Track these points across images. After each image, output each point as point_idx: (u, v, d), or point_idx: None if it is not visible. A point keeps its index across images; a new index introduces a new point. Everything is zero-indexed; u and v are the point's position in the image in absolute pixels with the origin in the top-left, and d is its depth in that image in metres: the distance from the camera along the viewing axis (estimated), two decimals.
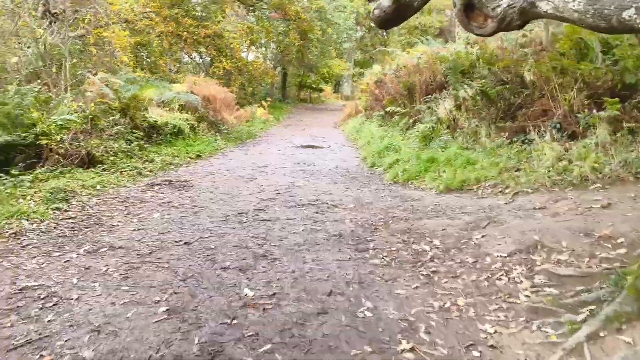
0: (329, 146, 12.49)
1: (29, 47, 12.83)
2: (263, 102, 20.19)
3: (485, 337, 2.85)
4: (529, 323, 2.96)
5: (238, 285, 3.57)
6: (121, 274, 3.71)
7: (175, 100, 11.62)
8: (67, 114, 8.22)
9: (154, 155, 8.81)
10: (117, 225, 4.99)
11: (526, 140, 6.84)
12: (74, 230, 4.74)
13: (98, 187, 6.45)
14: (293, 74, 32.01)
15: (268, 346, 2.76)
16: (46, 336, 2.82)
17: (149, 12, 17.84)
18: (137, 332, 2.87)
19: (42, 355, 2.64)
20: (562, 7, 3.88)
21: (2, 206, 5.20)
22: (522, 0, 3.58)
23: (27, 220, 4.91)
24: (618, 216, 4.22)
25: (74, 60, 11.96)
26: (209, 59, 20.55)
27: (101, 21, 14.91)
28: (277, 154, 10.81)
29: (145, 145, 9.13)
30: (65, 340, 2.78)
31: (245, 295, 3.40)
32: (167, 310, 3.15)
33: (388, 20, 4.54)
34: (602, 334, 2.70)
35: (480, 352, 2.71)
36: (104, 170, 7.42)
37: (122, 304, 3.22)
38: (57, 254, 4.12)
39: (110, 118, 8.96)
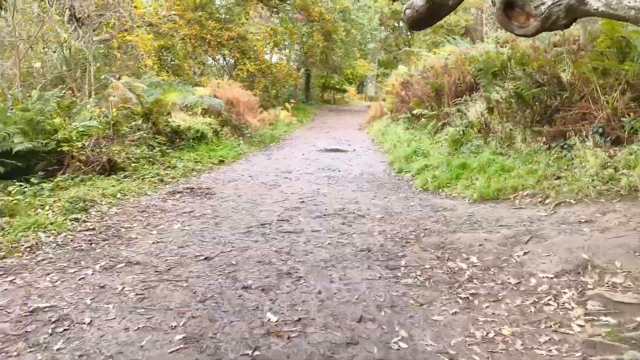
0: (354, 150, 12.19)
1: (54, 51, 12.88)
2: (287, 105, 19.99)
3: None
4: None
5: (260, 308, 3.31)
6: (137, 294, 3.49)
7: (198, 104, 11.48)
8: (89, 119, 8.13)
9: (176, 161, 8.65)
10: (136, 237, 4.79)
11: (566, 146, 6.42)
12: (91, 244, 4.56)
13: (118, 195, 6.29)
14: (316, 75, 31.76)
15: None
16: None
17: (173, 15, 17.83)
18: None
19: None
20: (615, 4, 3.50)
21: (20, 217, 5.07)
22: None
23: (44, 232, 4.75)
24: None
25: (98, 64, 11.94)
26: (233, 61, 20.46)
27: (125, 25, 14.92)
28: (301, 159, 10.56)
29: (167, 151, 8.99)
30: None
31: (269, 320, 3.14)
32: (183, 337, 2.90)
33: (421, 21, 4.24)
34: None
35: None
36: (125, 177, 7.27)
37: (136, 330, 2.99)
38: (72, 270, 3.93)
39: (133, 123, 8.85)
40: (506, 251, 4.19)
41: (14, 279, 3.73)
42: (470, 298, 3.43)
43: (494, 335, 2.94)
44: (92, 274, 3.87)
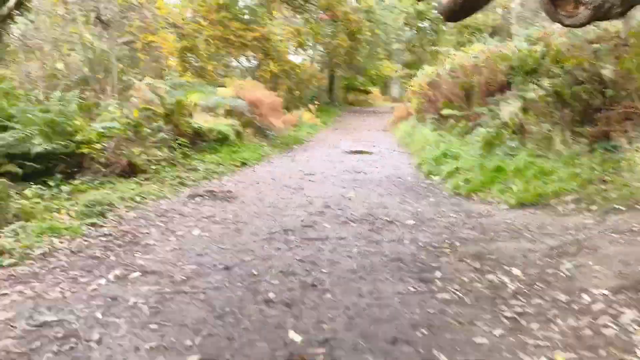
0: (380, 152, 11.85)
1: (78, 53, 12.87)
2: (310, 106, 19.73)
3: None
4: None
5: (283, 326, 3.01)
6: (151, 308, 3.23)
7: (221, 105, 11.29)
8: (111, 120, 7.99)
9: (198, 163, 8.45)
10: (153, 244, 4.55)
11: (610, 148, 5.97)
12: (106, 250, 4.33)
13: (137, 199, 6.09)
14: (340, 76, 31.45)
15: None
16: None
17: (197, 16, 17.77)
18: None
19: None
20: None
21: (36, 221, 4.90)
22: None
23: (59, 238, 4.55)
24: None
25: (121, 65, 11.87)
26: (256, 62, 20.31)
27: (149, 27, 14.89)
28: (325, 161, 10.26)
29: (189, 153, 8.80)
30: None
31: (292, 340, 2.84)
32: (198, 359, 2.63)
33: (458, 10, 3.89)
34: None
35: None
36: (145, 179, 7.10)
37: (147, 349, 2.73)
38: (85, 279, 3.70)
39: (154, 124, 8.67)
40: (553, 263, 3.81)
41: (24, 288, 3.52)
42: (517, 317, 3.06)
43: None
44: (105, 284, 3.63)
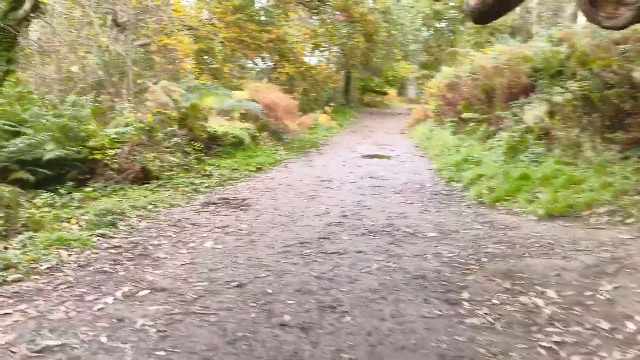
0: (398, 156, 11.57)
1: (95, 56, 12.80)
2: (326, 108, 19.50)
3: None
4: None
5: (300, 354, 2.79)
6: (159, 331, 3.03)
7: (236, 108, 11.12)
8: (124, 125, 7.86)
9: (212, 168, 8.27)
10: (164, 257, 4.36)
11: None
12: (115, 264, 4.16)
13: (149, 207, 5.92)
14: (356, 77, 31.14)
15: None
16: None
17: (213, 18, 17.65)
18: None
19: None
20: None
21: (45, 232, 4.75)
22: None
23: (67, 250, 4.39)
24: None
25: (136, 68, 11.78)
26: (272, 64, 20.14)
27: (165, 29, 14.80)
28: (342, 166, 10.02)
29: (203, 158, 8.63)
30: None
31: None
32: None
33: (488, 13, 3.63)
34: None
35: None
36: (158, 186, 6.94)
37: None
38: (91, 297, 3.51)
39: (168, 129, 8.53)
40: (590, 284, 3.53)
41: (27, 307, 3.34)
42: (555, 348, 2.80)
43: None
44: (112, 302, 3.44)
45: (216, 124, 10.00)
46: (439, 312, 3.30)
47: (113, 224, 5.14)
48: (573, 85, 7.26)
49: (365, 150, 12.61)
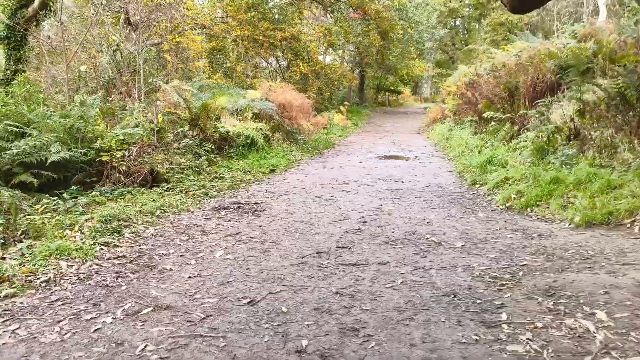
0: (416, 157, 11.15)
1: (107, 54, 12.58)
2: (341, 107, 19.13)
3: None
4: None
5: None
6: (161, 358, 2.70)
7: (249, 108, 10.80)
8: (134, 126, 7.57)
9: (224, 170, 7.95)
10: (170, 270, 4.04)
11: None
12: (117, 278, 3.84)
13: (157, 212, 5.61)
14: (371, 76, 30.73)
15: None
16: None
17: (226, 16, 17.39)
18: None
19: None
20: None
21: (45, 240, 4.46)
22: None
23: (68, 260, 4.09)
24: None
25: (147, 67, 11.51)
26: (286, 63, 19.83)
27: (178, 28, 14.54)
28: (359, 167, 9.64)
29: (215, 159, 8.32)
30: None
31: None
32: None
33: (528, 1, 3.24)
34: None
35: None
36: (168, 189, 6.64)
37: None
38: (89, 316, 3.20)
39: (179, 129, 8.23)
40: None
41: (18, 327, 3.04)
42: None
43: None
44: (112, 322, 3.12)
45: (228, 124, 9.70)
46: (476, 337, 2.92)
47: (118, 232, 4.83)
48: (606, 82, 6.80)
49: (382, 150, 12.22)
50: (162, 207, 5.78)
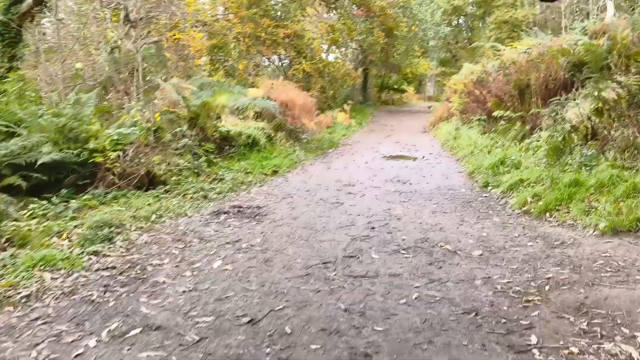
0: (423, 157, 10.80)
1: (106, 52, 12.26)
2: (344, 106, 18.78)
3: None
4: None
5: None
6: None
7: (251, 107, 10.47)
8: (130, 125, 7.25)
9: (224, 171, 7.62)
10: (164, 282, 3.71)
11: None
12: (105, 292, 3.51)
13: (153, 217, 5.28)
14: (374, 74, 30.33)
15: None
16: None
17: (227, 13, 17.06)
18: None
19: None
20: None
21: (31, 248, 4.14)
22: None
23: (53, 272, 3.76)
24: None
25: (146, 65, 11.18)
26: (288, 61, 19.49)
27: (178, 25, 14.23)
28: (364, 168, 9.31)
29: (215, 160, 7.99)
30: None
31: None
32: None
33: None
34: None
35: None
36: (165, 192, 6.32)
37: None
38: (71, 338, 2.87)
39: (178, 129, 7.90)
40: None
41: None
42: None
43: None
44: (95, 345, 2.79)
45: (229, 124, 9.38)
46: None
47: (109, 239, 4.50)
48: (632, 79, 6.45)
49: (388, 150, 11.87)
50: (157, 212, 5.45)
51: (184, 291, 3.55)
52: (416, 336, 2.91)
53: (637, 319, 2.96)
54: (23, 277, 3.62)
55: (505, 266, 4.00)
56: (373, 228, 5.20)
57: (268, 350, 2.76)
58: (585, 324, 2.97)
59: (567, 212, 5.23)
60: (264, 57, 19.54)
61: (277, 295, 3.50)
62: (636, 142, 5.88)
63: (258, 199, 6.55)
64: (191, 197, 6.21)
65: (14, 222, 4.68)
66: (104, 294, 3.49)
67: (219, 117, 9.44)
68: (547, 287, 3.52)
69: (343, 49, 24.88)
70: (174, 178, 6.67)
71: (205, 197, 6.33)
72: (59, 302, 3.35)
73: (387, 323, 3.07)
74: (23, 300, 3.33)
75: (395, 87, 35.80)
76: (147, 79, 9.69)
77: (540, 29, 25.21)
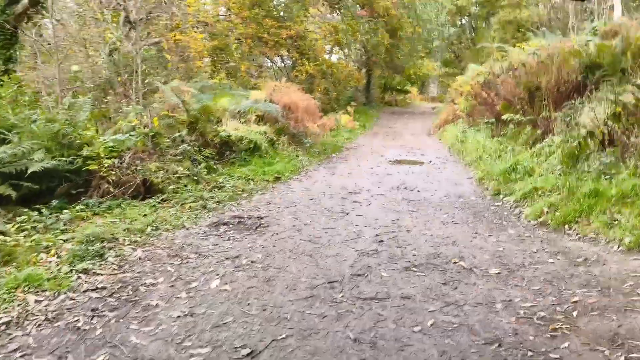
0: (430, 161, 10.50)
1: (106, 54, 12.00)
2: (348, 108, 18.48)
3: None
4: None
5: None
6: None
7: (252, 110, 10.18)
8: (126, 131, 6.97)
9: (225, 179, 7.33)
10: (157, 306, 3.42)
11: None
12: (93, 318, 3.22)
13: (148, 229, 5.00)
14: (377, 75, 30.01)
15: None
16: None
17: (229, 14, 16.79)
18: None
19: None
20: None
21: (15, 266, 3.87)
22: None
23: (37, 294, 3.48)
24: None
25: (145, 67, 10.90)
26: (291, 62, 19.20)
27: (179, 25, 13.96)
28: (370, 174, 9.00)
29: (215, 166, 7.70)
30: None
31: None
32: None
33: None
34: None
35: None
36: (162, 201, 6.03)
37: None
38: None
39: (176, 134, 7.62)
40: None
41: None
42: None
43: None
44: None
45: (230, 128, 9.09)
46: None
47: (100, 255, 4.22)
48: None
49: (393, 154, 11.57)
50: (153, 224, 5.16)
51: (178, 316, 3.25)
52: None
53: None
54: (4, 300, 3.35)
55: (526, 287, 3.70)
56: (381, 241, 4.90)
57: None
58: (623, 358, 2.67)
59: (588, 225, 4.92)
60: (266, 59, 19.26)
61: (279, 321, 3.20)
62: None
63: (260, 209, 6.25)
64: (189, 207, 5.91)
65: (0, 235, 4.40)
66: (91, 319, 3.20)
67: (219, 121, 9.15)
68: (574, 313, 3.22)
69: (346, 50, 24.59)
70: (171, 186, 6.38)
71: (204, 206, 6.04)
72: (41, 329, 3.06)
73: (401, 356, 2.78)
74: (2, 328, 3.04)
75: (399, 88, 35.49)
76: (146, 81, 9.39)
77: (547, 30, 24.90)
